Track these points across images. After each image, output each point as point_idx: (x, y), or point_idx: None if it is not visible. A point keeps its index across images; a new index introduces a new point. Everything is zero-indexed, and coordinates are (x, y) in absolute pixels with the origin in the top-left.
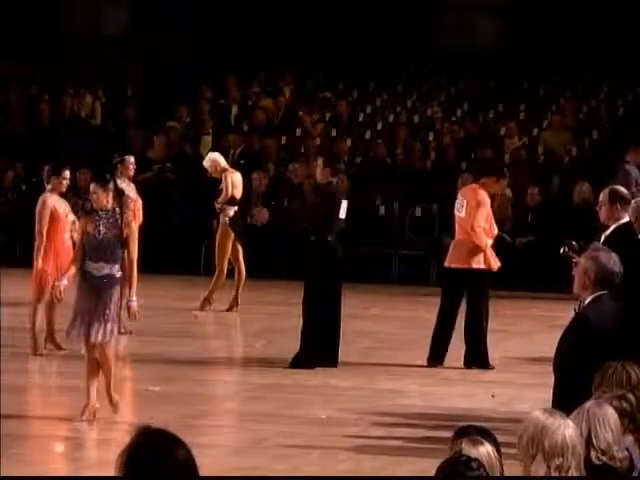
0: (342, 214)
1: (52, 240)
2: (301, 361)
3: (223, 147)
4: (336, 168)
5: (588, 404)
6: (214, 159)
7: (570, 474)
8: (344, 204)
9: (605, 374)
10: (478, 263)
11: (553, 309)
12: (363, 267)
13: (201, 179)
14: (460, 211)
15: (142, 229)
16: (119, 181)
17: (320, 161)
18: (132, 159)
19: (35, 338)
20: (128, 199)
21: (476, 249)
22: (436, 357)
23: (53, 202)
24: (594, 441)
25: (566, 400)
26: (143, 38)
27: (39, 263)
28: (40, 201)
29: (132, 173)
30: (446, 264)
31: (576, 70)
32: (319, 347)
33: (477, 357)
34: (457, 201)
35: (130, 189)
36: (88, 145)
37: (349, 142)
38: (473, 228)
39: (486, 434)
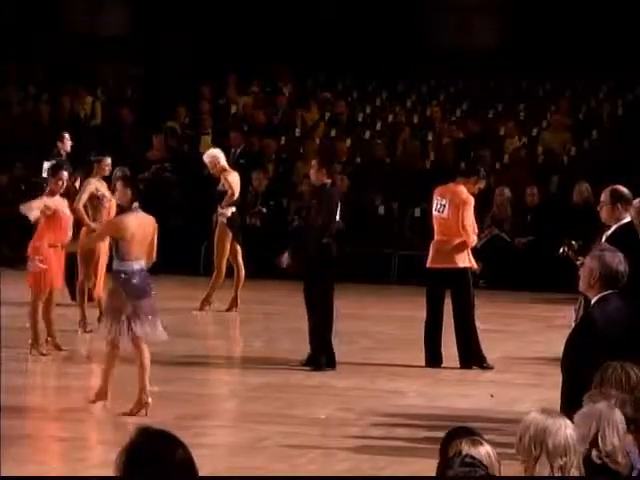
0: (337, 216)
1: (54, 240)
2: (320, 361)
3: (223, 147)
4: (331, 169)
5: (600, 405)
6: (214, 155)
7: (571, 473)
8: (339, 206)
9: (604, 374)
10: (464, 262)
11: (552, 309)
12: (363, 267)
13: (200, 179)
14: (441, 211)
15: None
16: (94, 180)
17: (315, 162)
18: (109, 160)
19: (37, 337)
20: (104, 198)
21: (461, 248)
22: (434, 360)
23: (53, 203)
24: (600, 443)
25: (573, 400)
26: (143, 38)
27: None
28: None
29: (107, 173)
30: (429, 265)
31: (576, 70)
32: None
33: (474, 356)
34: (436, 202)
35: (104, 188)
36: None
37: (349, 142)
38: (464, 227)
39: (478, 435)
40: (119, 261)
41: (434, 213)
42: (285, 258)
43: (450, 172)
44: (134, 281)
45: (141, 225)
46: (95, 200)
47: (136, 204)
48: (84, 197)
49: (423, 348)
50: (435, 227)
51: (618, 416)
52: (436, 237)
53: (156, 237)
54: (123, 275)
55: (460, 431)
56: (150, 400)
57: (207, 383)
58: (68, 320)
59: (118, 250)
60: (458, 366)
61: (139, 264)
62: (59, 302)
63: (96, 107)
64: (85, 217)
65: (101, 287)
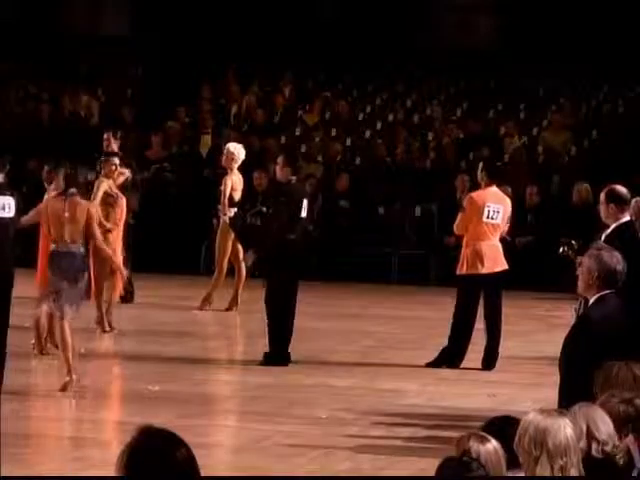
0: (302, 213)
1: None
2: (273, 358)
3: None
4: (297, 167)
5: (578, 406)
6: (236, 151)
7: (571, 473)
8: (304, 203)
9: (609, 374)
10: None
11: (553, 309)
12: (363, 267)
13: (200, 179)
14: (496, 218)
15: (127, 226)
16: (106, 179)
17: (280, 159)
18: (116, 159)
19: (39, 337)
20: (117, 196)
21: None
22: (457, 361)
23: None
24: (595, 434)
25: (571, 400)
26: (143, 38)
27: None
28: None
29: (116, 173)
30: (491, 270)
31: (576, 70)
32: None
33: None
34: (489, 208)
35: (114, 187)
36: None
37: (349, 142)
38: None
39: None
40: (52, 243)
41: (485, 220)
42: (249, 256)
43: (452, 171)
44: (62, 263)
45: (71, 209)
46: (109, 199)
47: (72, 190)
48: (99, 195)
49: (452, 349)
50: (488, 232)
51: (599, 409)
52: (489, 242)
53: (93, 222)
54: (52, 256)
55: (501, 421)
56: (74, 377)
57: (207, 383)
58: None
59: (50, 232)
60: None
61: (69, 247)
62: None
63: (96, 107)
64: (101, 216)
65: (120, 287)
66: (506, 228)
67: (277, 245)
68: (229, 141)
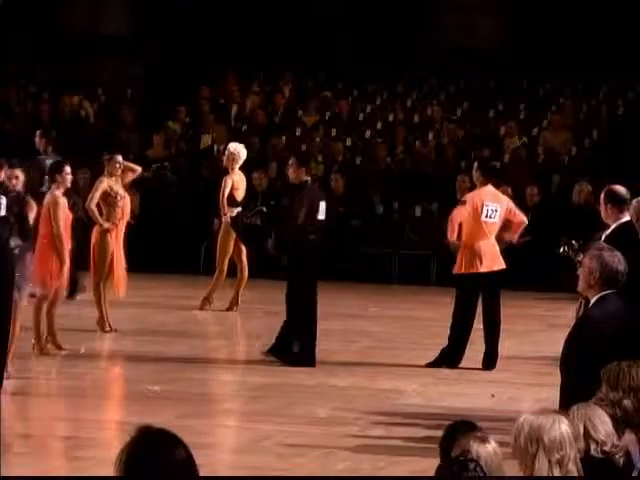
0: (321, 215)
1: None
2: (301, 358)
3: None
4: (309, 168)
5: (576, 407)
6: (237, 151)
7: (569, 467)
8: (322, 205)
9: (620, 374)
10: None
11: (553, 308)
12: (363, 267)
13: (200, 179)
14: (493, 217)
15: (129, 225)
16: (106, 178)
17: (292, 161)
18: (119, 158)
19: (39, 337)
20: (117, 196)
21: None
22: (456, 360)
23: (64, 201)
24: (593, 434)
25: (572, 400)
26: (143, 38)
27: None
28: (52, 200)
29: (118, 172)
30: (489, 269)
31: (576, 70)
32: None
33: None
34: (487, 207)
35: (118, 186)
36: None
37: (349, 142)
38: (524, 222)
39: (479, 429)
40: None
41: (483, 219)
42: (270, 244)
43: (452, 171)
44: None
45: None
46: (109, 198)
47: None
48: (97, 196)
49: (455, 348)
50: (485, 231)
51: (599, 410)
52: (487, 241)
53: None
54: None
55: (460, 426)
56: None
57: (207, 383)
58: (66, 319)
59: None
60: (458, 366)
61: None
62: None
63: (95, 107)
64: (98, 216)
65: (122, 286)
66: (516, 237)
67: (296, 246)
68: (221, 139)
